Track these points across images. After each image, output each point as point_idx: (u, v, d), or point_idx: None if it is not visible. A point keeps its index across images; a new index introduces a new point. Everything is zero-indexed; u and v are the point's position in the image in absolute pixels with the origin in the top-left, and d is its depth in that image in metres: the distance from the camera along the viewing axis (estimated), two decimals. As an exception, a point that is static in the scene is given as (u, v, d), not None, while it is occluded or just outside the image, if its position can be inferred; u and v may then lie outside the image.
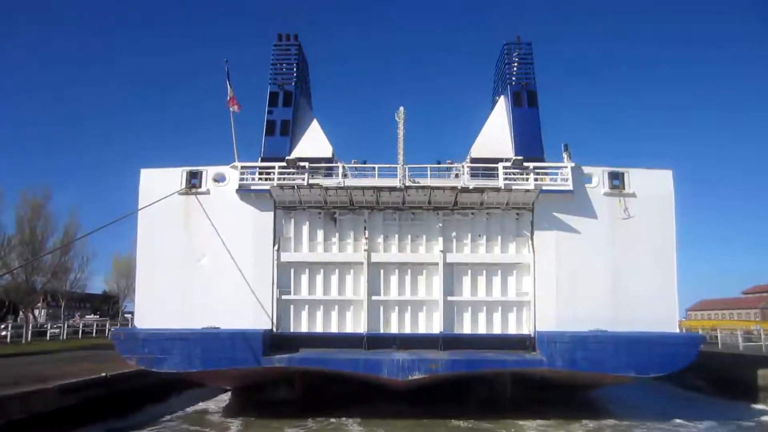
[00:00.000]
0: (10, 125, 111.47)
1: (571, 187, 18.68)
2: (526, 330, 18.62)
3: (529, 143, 20.91)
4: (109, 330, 40.63)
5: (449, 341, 18.41)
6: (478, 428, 16.97)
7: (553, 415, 17.98)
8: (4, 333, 37.04)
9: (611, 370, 17.23)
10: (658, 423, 17.67)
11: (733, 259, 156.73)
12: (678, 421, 17.85)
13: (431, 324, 18.78)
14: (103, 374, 18.10)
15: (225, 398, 21.82)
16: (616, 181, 18.98)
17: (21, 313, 49.72)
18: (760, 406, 20.23)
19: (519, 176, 19.09)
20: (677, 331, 18.86)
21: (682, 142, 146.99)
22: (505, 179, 18.84)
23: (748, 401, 20.69)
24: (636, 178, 18.98)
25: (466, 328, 18.79)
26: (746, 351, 28.87)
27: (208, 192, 19.06)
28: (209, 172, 19.24)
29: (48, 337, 38.78)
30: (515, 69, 22.93)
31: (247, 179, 19.10)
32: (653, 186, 18.98)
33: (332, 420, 17.59)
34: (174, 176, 19.03)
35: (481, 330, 18.75)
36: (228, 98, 19.93)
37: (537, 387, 19.38)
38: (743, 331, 35.01)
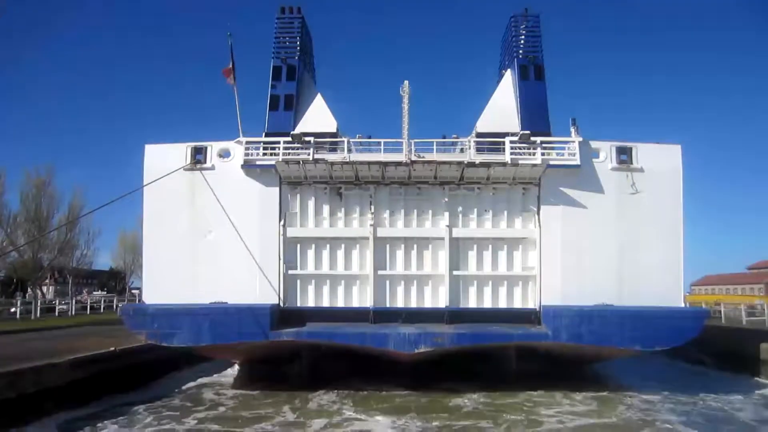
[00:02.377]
0: (13, 104, 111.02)
1: (578, 162, 18.58)
2: (532, 304, 18.73)
3: (536, 117, 20.71)
4: (116, 306, 41.08)
5: (455, 315, 18.56)
6: (486, 403, 17.09)
7: (559, 387, 18.11)
8: (13, 309, 37.46)
9: (616, 344, 17.32)
10: (661, 396, 17.78)
11: (740, 234, 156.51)
12: (681, 394, 17.97)
13: (437, 298, 18.91)
14: (112, 349, 18.32)
15: (233, 372, 22.08)
16: (624, 155, 18.88)
17: (29, 289, 50.19)
18: (762, 380, 20.38)
19: (526, 151, 18.97)
20: (682, 305, 18.88)
21: (688, 117, 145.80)
22: (512, 154, 18.73)
23: (750, 375, 20.85)
24: (644, 152, 18.86)
25: (472, 303, 18.90)
26: (749, 325, 28.94)
27: (213, 168, 19.05)
28: (214, 147, 19.20)
29: (57, 313, 39.14)
30: (522, 42, 22.56)
31: (252, 154, 19.06)
32: (661, 161, 18.86)
33: (337, 392, 17.79)
34: (179, 152, 19.01)
35: (487, 304, 18.87)
36: (228, 68, 19.60)
37: (541, 360, 19.53)
38: (747, 305, 35.01)
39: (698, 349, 23.02)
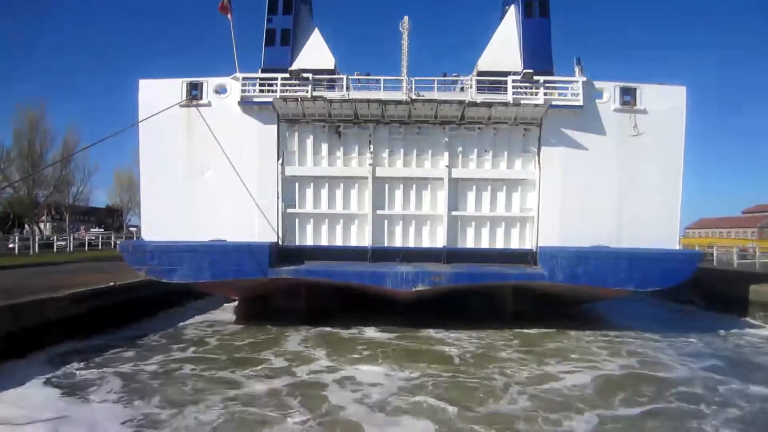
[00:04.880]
0: (6, 40, 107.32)
1: (581, 103, 18.23)
2: (529, 245, 18.84)
3: (539, 55, 20.08)
4: (114, 243, 41.32)
5: (452, 255, 18.71)
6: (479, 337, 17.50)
7: (568, 327, 18.56)
8: (11, 245, 37.66)
9: (611, 285, 17.57)
10: (653, 334, 18.23)
11: (738, 178, 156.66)
12: (671, 333, 18.41)
13: (435, 238, 18.99)
14: (111, 284, 18.52)
15: (232, 307, 22.45)
16: (628, 96, 18.50)
17: (26, 226, 50.32)
18: (749, 320, 20.90)
19: (528, 90, 18.58)
20: (677, 248, 19.05)
21: (687, 60, 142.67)
22: (514, 93, 18.35)
23: (739, 315, 21.34)
24: (648, 94, 18.47)
25: (470, 243, 19.00)
26: (740, 268, 29.40)
27: (209, 104, 18.61)
28: (210, 83, 18.70)
29: (55, 249, 39.42)
30: None
31: (249, 91, 18.61)
32: (665, 102, 18.49)
33: (332, 329, 18.15)
34: (174, 87, 18.51)
35: (484, 245, 18.98)
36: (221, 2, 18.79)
37: (537, 300, 19.89)
38: (739, 248, 35.41)
39: (690, 290, 23.51)
